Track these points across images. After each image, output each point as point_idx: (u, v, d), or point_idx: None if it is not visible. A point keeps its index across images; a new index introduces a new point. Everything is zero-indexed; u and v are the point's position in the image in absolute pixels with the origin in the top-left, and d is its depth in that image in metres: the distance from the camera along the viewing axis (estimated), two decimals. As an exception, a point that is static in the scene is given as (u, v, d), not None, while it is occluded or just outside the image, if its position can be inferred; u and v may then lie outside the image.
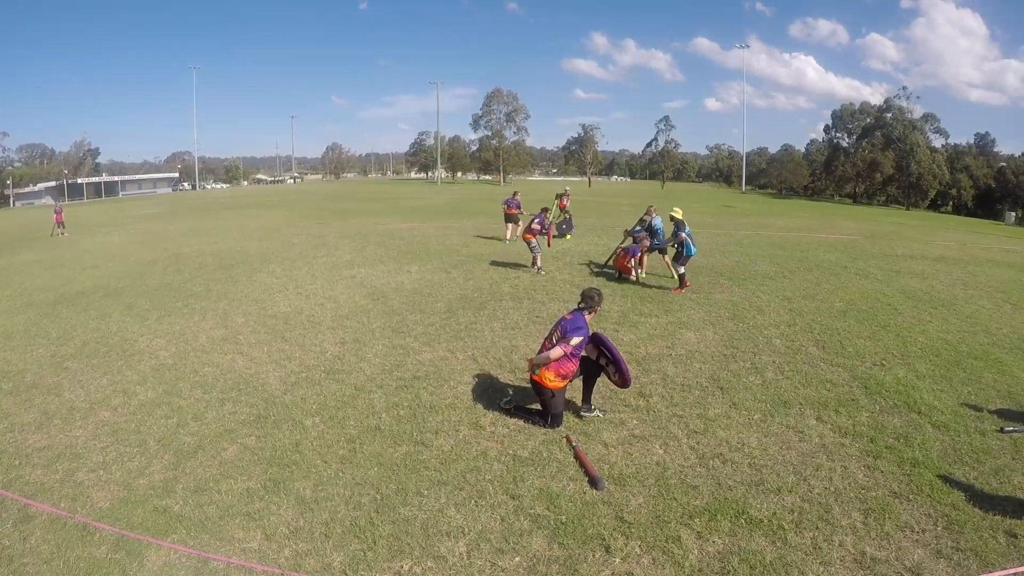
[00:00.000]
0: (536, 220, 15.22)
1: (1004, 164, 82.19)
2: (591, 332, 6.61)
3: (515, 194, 21.30)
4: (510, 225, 20.27)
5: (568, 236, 21.03)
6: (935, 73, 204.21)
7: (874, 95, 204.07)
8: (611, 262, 14.96)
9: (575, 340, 6.29)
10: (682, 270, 12.74)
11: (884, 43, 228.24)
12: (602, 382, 6.99)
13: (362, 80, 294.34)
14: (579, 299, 6.71)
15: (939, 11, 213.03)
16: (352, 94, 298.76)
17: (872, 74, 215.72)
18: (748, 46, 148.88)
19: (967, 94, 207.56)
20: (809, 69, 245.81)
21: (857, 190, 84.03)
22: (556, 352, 6.26)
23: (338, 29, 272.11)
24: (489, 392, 7.44)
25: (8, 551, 4.67)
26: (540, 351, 6.55)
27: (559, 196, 24.90)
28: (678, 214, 12.99)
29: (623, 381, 6.60)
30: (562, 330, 6.39)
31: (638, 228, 15.05)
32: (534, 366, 6.48)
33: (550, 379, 6.34)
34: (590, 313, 6.60)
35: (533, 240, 14.69)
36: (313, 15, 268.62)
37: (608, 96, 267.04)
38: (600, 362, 6.73)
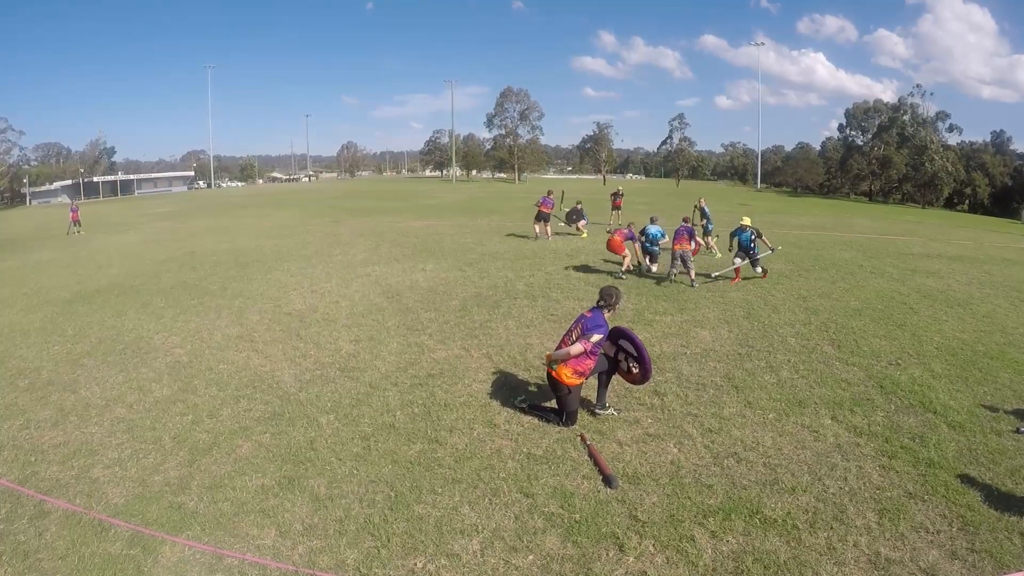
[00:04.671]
0: (626, 231, 14.63)
1: (1021, 163, 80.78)
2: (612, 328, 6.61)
3: (549, 193, 21.28)
4: (540, 223, 20.27)
5: (583, 231, 21.13)
6: (945, 69, 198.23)
7: (886, 92, 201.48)
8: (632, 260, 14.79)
9: (595, 337, 6.29)
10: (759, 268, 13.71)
11: (893, 39, 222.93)
12: (616, 380, 6.98)
13: (372, 80, 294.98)
14: (598, 297, 6.71)
15: (945, 6, 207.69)
16: (363, 93, 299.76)
17: (883, 71, 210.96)
18: (763, 43, 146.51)
19: (979, 91, 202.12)
20: (819, 66, 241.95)
21: (873, 188, 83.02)
22: (576, 348, 6.26)
23: (345, 30, 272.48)
24: (504, 390, 7.45)
25: (24, 546, 4.74)
26: (559, 347, 6.54)
27: (613, 195, 25.06)
28: (747, 221, 13.69)
29: (643, 376, 6.56)
30: (583, 327, 6.39)
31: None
32: (552, 361, 6.47)
33: (567, 375, 6.33)
34: (610, 311, 6.59)
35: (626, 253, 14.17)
36: (320, 15, 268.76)
37: (618, 94, 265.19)
38: (618, 358, 6.71)
